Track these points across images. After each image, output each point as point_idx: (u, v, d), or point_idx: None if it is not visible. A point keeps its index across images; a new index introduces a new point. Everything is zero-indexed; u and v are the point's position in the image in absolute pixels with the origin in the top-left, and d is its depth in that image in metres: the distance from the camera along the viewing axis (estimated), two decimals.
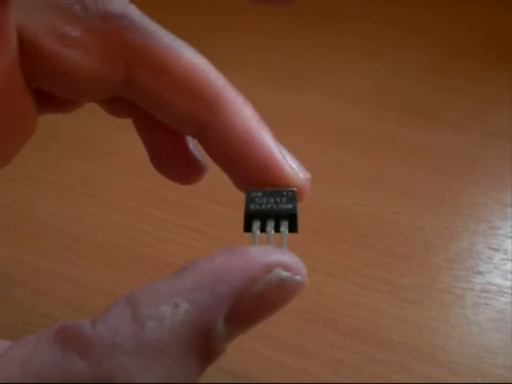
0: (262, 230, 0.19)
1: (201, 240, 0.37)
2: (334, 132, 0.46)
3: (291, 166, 0.21)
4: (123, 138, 0.46)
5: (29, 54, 0.19)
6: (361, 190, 0.41)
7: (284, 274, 0.15)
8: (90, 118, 0.48)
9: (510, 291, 0.34)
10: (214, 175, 0.41)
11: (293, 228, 0.19)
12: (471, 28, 0.60)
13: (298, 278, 0.16)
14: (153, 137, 0.24)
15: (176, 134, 0.23)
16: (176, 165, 0.24)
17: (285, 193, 0.20)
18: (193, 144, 0.24)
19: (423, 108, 0.49)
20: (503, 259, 0.36)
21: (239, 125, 0.20)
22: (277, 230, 0.19)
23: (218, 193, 0.40)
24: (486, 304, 0.33)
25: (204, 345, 0.15)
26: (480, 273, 0.35)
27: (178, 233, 0.38)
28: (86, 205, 0.40)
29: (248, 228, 0.19)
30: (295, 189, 0.20)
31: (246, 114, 0.20)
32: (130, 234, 0.38)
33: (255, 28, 0.60)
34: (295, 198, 0.20)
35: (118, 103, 0.23)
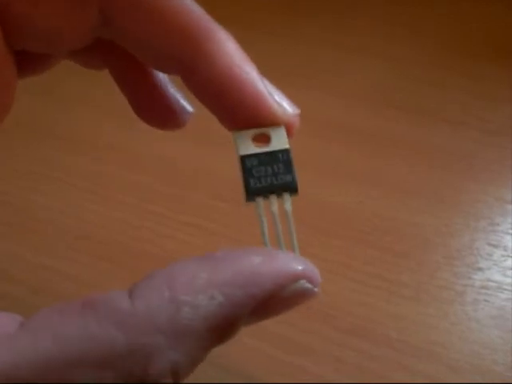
0: (264, 197, 0.20)
1: (200, 236, 0.37)
2: (333, 129, 0.46)
3: (278, 102, 0.20)
4: (123, 133, 0.46)
5: (1, 15, 0.19)
6: (360, 187, 0.41)
7: (307, 285, 0.17)
8: (89, 113, 0.49)
9: (509, 288, 0.34)
10: (214, 171, 0.41)
11: (293, 192, 0.20)
12: (470, 26, 0.60)
13: (316, 289, 0.17)
14: (132, 84, 0.23)
15: (156, 79, 0.23)
16: (158, 110, 0.23)
17: (280, 156, 0.20)
18: (174, 89, 0.23)
19: (422, 106, 0.49)
20: (503, 256, 0.36)
21: (222, 62, 0.19)
22: (278, 195, 0.20)
23: (218, 188, 0.40)
24: (486, 301, 0.33)
25: (225, 334, 0.16)
26: (480, 269, 0.35)
27: (179, 229, 0.38)
28: (87, 201, 0.40)
29: (250, 199, 0.20)
30: (288, 146, 0.20)
31: (228, 50, 0.20)
32: (130, 230, 0.38)
33: (253, 25, 0.60)
34: (291, 162, 0.20)
35: (93, 53, 0.23)
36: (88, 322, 0.15)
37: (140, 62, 0.22)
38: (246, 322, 0.17)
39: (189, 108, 0.23)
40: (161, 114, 0.23)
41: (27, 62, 0.22)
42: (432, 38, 0.58)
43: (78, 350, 0.14)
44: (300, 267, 0.17)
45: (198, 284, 0.16)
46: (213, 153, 0.42)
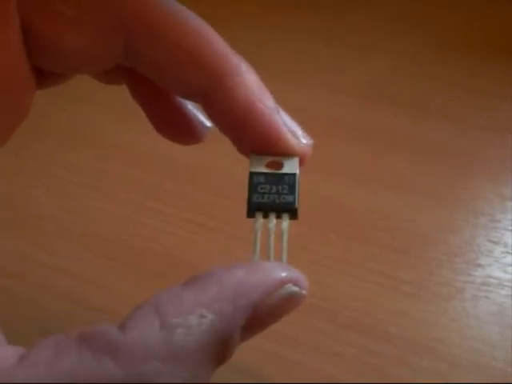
0: (265, 215, 0.20)
1: (203, 233, 0.38)
2: (333, 126, 0.46)
3: (292, 134, 0.21)
4: (126, 130, 0.46)
5: (26, 34, 0.19)
6: (360, 183, 0.41)
7: (294, 288, 0.17)
8: (92, 111, 0.49)
9: (509, 284, 0.34)
10: (216, 167, 0.41)
11: (293, 217, 0.20)
12: (471, 23, 0.60)
13: (303, 292, 0.18)
14: (151, 102, 0.24)
15: (175, 98, 0.23)
16: (178, 127, 0.24)
17: (286, 178, 0.20)
18: (192, 105, 0.24)
19: (422, 101, 0.49)
20: (503, 252, 0.36)
21: (242, 94, 0.20)
22: (278, 216, 0.20)
23: (220, 185, 0.40)
24: (486, 297, 0.34)
25: (222, 350, 0.16)
26: (480, 266, 0.35)
27: (181, 226, 0.38)
28: (88, 198, 0.41)
29: (250, 215, 0.20)
30: (296, 171, 0.21)
31: (247, 82, 0.20)
32: (132, 227, 0.38)
33: (253, 21, 0.60)
34: (296, 185, 0.20)
35: (113, 75, 0.23)
36: (84, 355, 0.15)
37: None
38: (242, 338, 0.17)
39: (207, 124, 0.24)
40: (181, 130, 0.24)
41: (46, 75, 0.22)
42: (433, 34, 0.58)
43: (75, 382, 0.14)
44: (284, 273, 0.17)
45: (186, 305, 0.16)
46: (216, 151, 0.42)
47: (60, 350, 0.15)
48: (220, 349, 0.16)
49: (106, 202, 0.40)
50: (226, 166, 0.41)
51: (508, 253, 0.36)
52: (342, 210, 0.39)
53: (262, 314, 0.17)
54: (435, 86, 0.51)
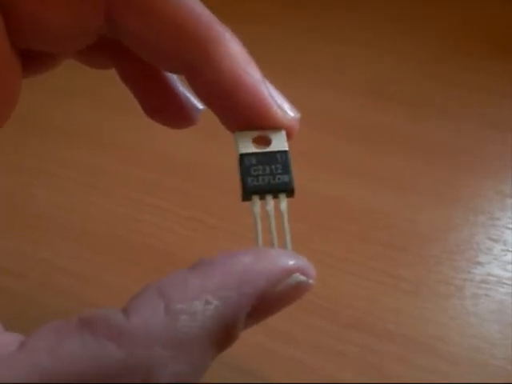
0: (261, 197, 0.20)
1: (201, 230, 0.37)
2: (333, 124, 0.46)
3: (279, 106, 0.20)
4: (124, 127, 0.46)
5: (7, 14, 0.19)
6: (359, 181, 0.41)
7: (301, 278, 0.17)
8: (90, 108, 0.49)
9: (509, 282, 0.34)
10: (215, 164, 0.41)
11: (290, 195, 0.20)
12: (471, 20, 0.59)
13: (310, 281, 0.18)
14: (141, 84, 0.24)
15: (165, 79, 0.23)
16: (170, 109, 0.24)
17: (278, 157, 0.20)
18: (183, 87, 0.24)
19: (423, 100, 0.49)
20: (503, 250, 0.36)
21: (226, 64, 0.20)
22: (274, 196, 0.20)
23: (218, 182, 0.40)
24: (486, 295, 0.34)
25: (226, 337, 0.16)
26: (480, 264, 0.35)
27: (180, 223, 0.38)
28: (86, 195, 0.40)
29: (246, 199, 0.20)
30: (287, 148, 0.20)
31: (233, 53, 0.20)
32: (130, 224, 0.38)
33: (252, 19, 0.60)
34: (289, 163, 0.20)
35: (99, 53, 0.23)
36: (86, 340, 0.15)
37: (147, 62, 0.22)
38: (247, 324, 0.17)
39: (199, 105, 0.24)
40: (172, 113, 0.24)
41: (32, 61, 0.22)
42: (433, 32, 0.58)
43: (77, 367, 0.14)
44: (291, 261, 0.17)
45: (192, 291, 0.16)
46: (213, 147, 0.42)
47: (61, 335, 0.15)
48: (223, 335, 0.16)
49: (104, 200, 0.40)
50: (225, 163, 0.41)
51: (507, 251, 0.36)
52: (341, 208, 0.39)
53: (268, 302, 0.17)
54: (435, 84, 0.51)
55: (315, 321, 0.32)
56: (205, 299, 0.16)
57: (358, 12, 0.62)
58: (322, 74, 0.52)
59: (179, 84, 0.24)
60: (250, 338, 0.31)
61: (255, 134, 0.20)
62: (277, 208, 0.20)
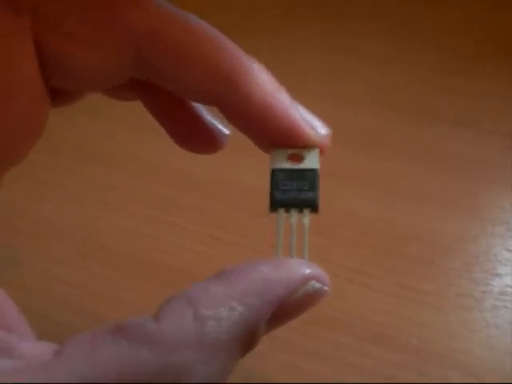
0: (286, 210, 0.21)
1: (218, 247, 0.38)
2: (349, 137, 0.46)
3: (311, 126, 0.21)
4: (136, 143, 0.46)
5: (40, 54, 0.20)
6: (378, 194, 0.41)
7: (317, 285, 0.18)
8: (103, 123, 0.49)
9: None
10: (232, 181, 0.41)
11: (314, 211, 0.21)
12: (471, 27, 0.59)
13: (325, 288, 0.19)
14: (168, 115, 0.24)
15: (192, 108, 0.24)
16: (197, 137, 0.24)
17: (307, 173, 0.21)
18: (208, 113, 0.24)
19: (436, 110, 0.49)
20: None
21: (257, 93, 0.20)
22: (299, 210, 0.21)
23: (236, 199, 0.40)
24: (506, 307, 0.33)
25: (249, 342, 0.17)
26: (498, 275, 0.35)
27: (197, 240, 0.38)
28: (98, 210, 0.41)
29: (273, 211, 0.21)
30: (317, 167, 0.21)
31: (261, 81, 0.21)
32: (141, 240, 0.38)
33: (253, 31, 0.60)
34: (316, 181, 0.21)
35: (126, 90, 0.24)
36: (120, 347, 0.15)
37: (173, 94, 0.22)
38: (267, 329, 0.18)
39: (225, 131, 0.24)
40: (201, 140, 0.24)
41: (60, 94, 0.22)
42: (433, 39, 0.58)
43: (114, 374, 0.15)
44: (308, 270, 0.18)
45: (217, 298, 0.17)
46: (230, 164, 0.42)
47: (96, 342, 0.16)
48: (247, 340, 0.17)
49: (115, 214, 0.40)
50: (241, 180, 0.41)
51: None
52: (360, 221, 0.39)
53: (287, 308, 0.18)
54: (451, 93, 0.50)
55: (335, 335, 0.32)
56: (230, 306, 0.17)
57: (357, 21, 0.62)
58: (322, 84, 0.52)
59: (205, 111, 0.24)
60: (269, 352, 0.31)
61: (290, 151, 0.21)
62: (299, 223, 0.20)
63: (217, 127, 0.24)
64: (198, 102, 0.23)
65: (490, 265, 0.36)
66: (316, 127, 0.21)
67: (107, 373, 0.15)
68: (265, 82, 0.21)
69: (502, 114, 0.48)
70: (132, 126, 0.47)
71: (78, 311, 0.34)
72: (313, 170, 0.21)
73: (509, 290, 0.34)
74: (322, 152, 0.21)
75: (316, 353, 0.31)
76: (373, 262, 0.36)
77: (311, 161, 0.21)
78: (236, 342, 0.16)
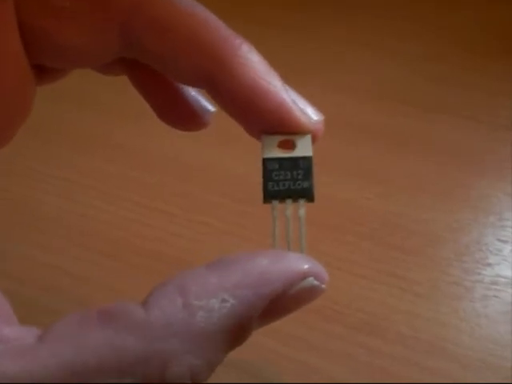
0: (281, 201, 0.20)
1: (211, 234, 0.37)
2: (341, 126, 0.46)
3: (302, 111, 0.20)
4: (127, 131, 0.46)
5: (24, 32, 0.19)
6: (368, 183, 0.41)
7: (315, 282, 0.18)
8: (94, 112, 0.49)
9: None
10: (224, 169, 0.41)
11: (309, 201, 0.20)
12: (479, 22, 0.59)
13: (322, 286, 0.18)
14: (153, 91, 0.24)
15: (176, 84, 0.23)
16: (181, 113, 0.24)
17: (300, 162, 0.20)
18: (194, 90, 0.24)
19: (430, 101, 0.49)
20: None
21: (246, 74, 0.20)
22: (294, 200, 0.20)
23: (228, 187, 0.40)
24: (496, 296, 0.33)
25: (239, 335, 0.16)
26: (489, 265, 0.35)
27: (190, 227, 0.38)
28: (91, 199, 0.41)
29: (267, 202, 0.20)
30: (310, 154, 0.20)
31: (251, 62, 0.20)
32: (135, 228, 0.38)
33: (257, 19, 0.60)
34: (311, 170, 0.20)
35: (113, 66, 0.23)
36: (107, 333, 0.15)
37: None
38: (259, 324, 0.17)
39: (210, 107, 0.24)
40: (184, 116, 0.24)
41: (45, 71, 0.22)
42: (441, 33, 0.58)
43: (98, 359, 0.15)
44: (307, 265, 0.18)
45: (209, 288, 0.16)
46: (221, 152, 0.42)
47: (82, 327, 0.15)
48: (237, 333, 0.16)
49: (108, 203, 0.40)
50: (233, 168, 0.41)
51: None
52: (351, 210, 0.39)
53: (281, 304, 0.17)
54: (445, 86, 0.50)
55: (325, 324, 0.32)
56: (221, 297, 0.16)
57: (363, 14, 0.62)
58: (325, 76, 0.52)
59: (190, 88, 0.24)
60: (259, 340, 0.31)
61: (281, 138, 0.20)
62: (295, 214, 0.20)
63: (201, 103, 0.24)
64: (186, 82, 0.22)
65: (481, 254, 0.36)
66: (309, 113, 0.20)
67: (90, 358, 0.15)
68: (256, 64, 0.20)
69: (500, 107, 0.48)
70: (126, 117, 0.47)
71: (71, 300, 0.34)
72: (306, 158, 0.20)
73: (500, 279, 0.34)
74: (314, 139, 0.21)
75: (305, 341, 0.31)
76: (363, 251, 0.36)
77: (304, 148, 0.20)
78: (225, 334, 0.16)
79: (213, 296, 0.16)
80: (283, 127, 0.20)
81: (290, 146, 0.20)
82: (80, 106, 0.49)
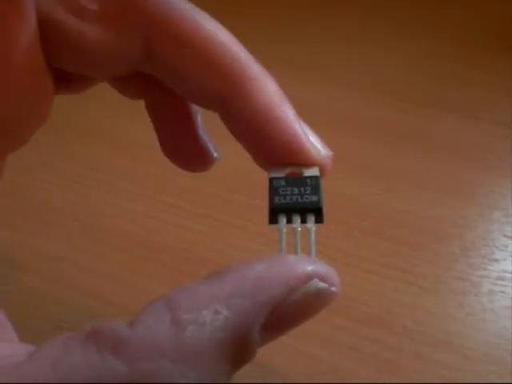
0: (288, 221, 0.19)
1: (217, 227, 0.38)
2: (345, 122, 0.46)
3: (313, 144, 0.20)
4: (135, 125, 0.46)
5: (45, 30, 0.19)
6: (375, 179, 0.41)
7: (321, 284, 0.16)
8: (103, 106, 0.49)
9: None
10: (231, 164, 0.41)
11: (318, 220, 0.19)
12: (484, 19, 0.59)
13: (333, 289, 0.16)
14: (165, 121, 0.24)
15: (189, 120, 0.23)
16: (186, 152, 0.24)
17: (308, 180, 0.19)
18: (204, 132, 0.24)
19: (436, 98, 0.49)
20: None
21: (261, 101, 0.19)
22: (302, 221, 0.19)
23: (234, 182, 0.40)
24: (502, 292, 0.33)
25: (240, 349, 0.15)
26: (495, 260, 0.35)
27: (196, 221, 0.38)
28: (100, 192, 0.41)
29: (273, 221, 0.19)
30: (318, 174, 0.20)
31: (268, 90, 0.20)
32: (143, 221, 0.38)
33: (264, 16, 0.60)
34: (319, 186, 0.19)
35: (131, 83, 0.23)
36: (89, 353, 0.14)
37: (177, 100, 0.22)
38: (263, 338, 0.16)
39: (215, 154, 0.24)
40: (188, 158, 0.24)
41: (65, 80, 0.22)
42: (445, 31, 0.58)
43: (78, 379, 0.14)
44: (310, 267, 0.16)
45: (200, 300, 0.15)
46: (227, 147, 0.42)
47: (68, 346, 0.14)
48: (237, 348, 0.15)
49: (116, 196, 0.40)
50: (239, 162, 0.41)
51: None
52: (357, 205, 0.39)
53: (284, 312, 0.15)
54: (449, 83, 0.51)
55: (331, 317, 0.32)
56: (214, 309, 0.15)
57: (369, 13, 0.62)
58: (330, 72, 0.52)
59: (202, 128, 0.23)
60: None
61: (289, 169, 0.20)
62: (303, 229, 0.19)
63: (208, 147, 0.23)
64: (199, 102, 0.21)
65: (487, 250, 0.36)
66: (319, 147, 0.20)
67: (69, 377, 0.14)
68: (272, 92, 0.20)
69: (501, 104, 0.48)
70: (127, 109, 0.47)
71: (83, 293, 0.34)
72: (314, 177, 0.20)
73: (506, 275, 0.34)
74: (322, 173, 0.20)
75: (312, 334, 0.31)
76: (370, 246, 0.36)
77: (311, 173, 0.20)
78: (223, 351, 0.14)
79: (204, 308, 0.15)
80: (293, 158, 0.20)
81: (298, 176, 0.20)
82: (88, 100, 0.49)
